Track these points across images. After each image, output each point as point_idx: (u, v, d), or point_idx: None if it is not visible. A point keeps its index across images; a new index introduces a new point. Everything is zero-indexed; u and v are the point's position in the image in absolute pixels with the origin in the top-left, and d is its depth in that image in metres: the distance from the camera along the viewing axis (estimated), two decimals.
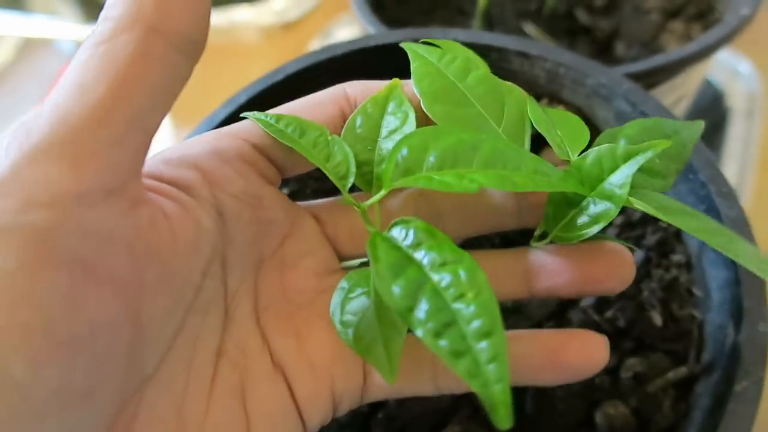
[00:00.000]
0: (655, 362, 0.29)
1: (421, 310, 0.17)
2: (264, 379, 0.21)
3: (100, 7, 0.18)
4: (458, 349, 0.16)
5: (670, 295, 0.30)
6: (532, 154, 0.21)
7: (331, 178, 0.23)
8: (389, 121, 0.24)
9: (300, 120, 0.23)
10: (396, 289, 0.18)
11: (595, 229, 0.22)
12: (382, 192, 0.22)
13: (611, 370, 0.29)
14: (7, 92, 0.76)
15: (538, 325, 0.31)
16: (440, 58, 0.25)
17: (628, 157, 0.22)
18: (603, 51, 0.47)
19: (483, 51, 0.34)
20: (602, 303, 0.30)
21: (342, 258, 0.25)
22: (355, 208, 0.23)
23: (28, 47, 0.80)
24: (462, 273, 0.18)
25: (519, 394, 0.29)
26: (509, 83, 0.25)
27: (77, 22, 0.76)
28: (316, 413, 0.22)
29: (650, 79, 0.39)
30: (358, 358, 0.23)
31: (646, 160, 0.22)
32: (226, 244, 0.21)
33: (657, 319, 0.29)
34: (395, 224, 0.21)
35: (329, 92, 0.24)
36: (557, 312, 0.31)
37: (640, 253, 0.31)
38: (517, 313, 0.31)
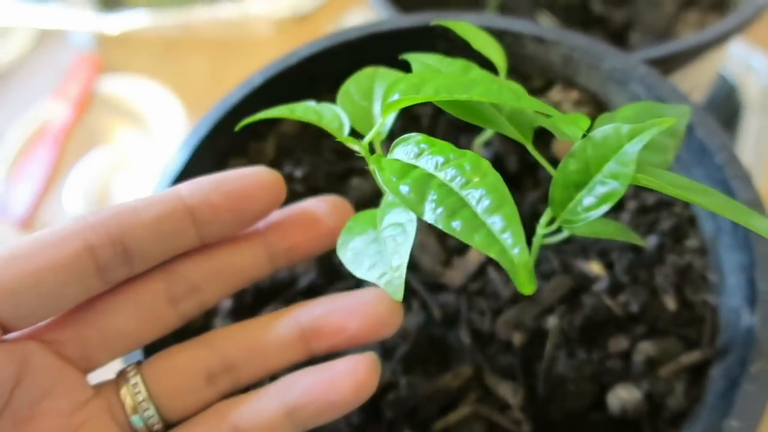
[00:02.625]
0: (667, 346, 0.28)
1: (430, 200, 0.19)
2: None
3: None
4: (473, 225, 0.18)
5: (683, 280, 0.30)
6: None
7: (328, 130, 0.24)
8: (381, 86, 0.25)
9: (290, 106, 0.25)
10: (404, 188, 0.19)
11: (603, 209, 0.22)
12: (380, 120, 0.23)
13: (623, 354, 0.29)
14: (22, 83, 0.77)
15: (550, 309, 0.30)
16: (440, 61, 0.26)
17: (633, 136, 0.22)
18: (617, 41, 0.47)
19: (497, 35, 0.34)
20: (615, 287, 0.30)
21: (92, 368, 0.22)
22: (359, 149, 0.23)
23: (44, 38, 0.80)
24: (466, 165, 0.19)
25: (530, 375, 0.29)
26: (509, 81, 0.25)
27: (93, 13, 0.77)
28: None
29: (663, 66, 0.38)
30: None
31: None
32: None
33: (670, 303, 0.29)
34: (396, 145, 0.21)
35: (68, 226, 0.20)
36: (569, 295, 0.31)
37: (653, 239, 0.31)
38: (528, 298, 0.31)
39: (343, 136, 0.23)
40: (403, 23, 0.35)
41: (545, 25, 0.39)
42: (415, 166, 0.20)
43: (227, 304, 0.31)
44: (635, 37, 0.47)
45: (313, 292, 0.32)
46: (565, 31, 0.33)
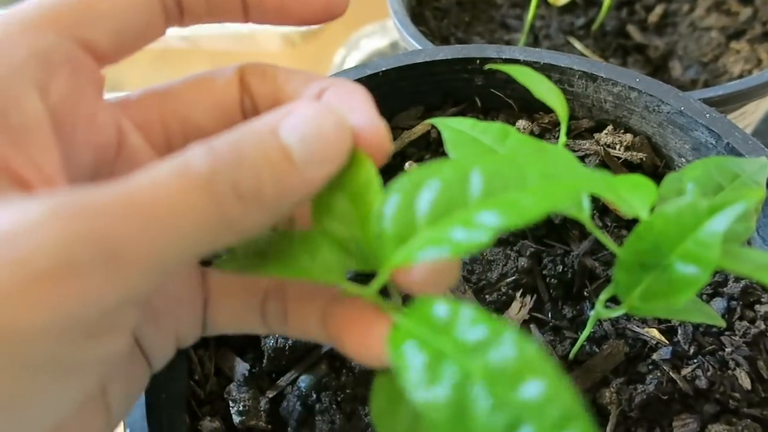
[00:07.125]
0: (742, 430, 0.25)
1: (479, 408, 0.13)
2: None
3: None
4: None
5: (757, 351, 0.27)
6: (539, 157, 0.16)
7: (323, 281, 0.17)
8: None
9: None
10: (438, 392, 0.13)
11: (681, 299, 0.19)
12: (383, 276, 0.17)
13: None
14: None
15: (605, 380, 0.27)
16: (473, 126, 0.23)
17: (713, 212, 0.19)
18: (657, 70, 0.44)
19: (543, 71, 0.31)
20: (678, 357, 0.27)
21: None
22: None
23: None
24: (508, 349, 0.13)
25: None
26: (554, 145, 0.22)
27: None
28: (162, 356, 0.23)
29: (722, 106, 0.35)
30: (199, 303, 0.23)
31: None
32: None
33: (744, 379, 0.26)
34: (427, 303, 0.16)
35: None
36: (625, 365, 0.28)
37: (721, 302, 0.28)
38: (580, 365, 0.28)
39: (344, 281, 0.17)
40: (440, 55, 0.32)
41: (595, 59, 0.36)
42: (442, 353, 0.14)
43: (243, 369, 0.28)
44: (677, 67, 0.44)
45: (337, 357, 0.28)
46: (621, 69, 0.30)
